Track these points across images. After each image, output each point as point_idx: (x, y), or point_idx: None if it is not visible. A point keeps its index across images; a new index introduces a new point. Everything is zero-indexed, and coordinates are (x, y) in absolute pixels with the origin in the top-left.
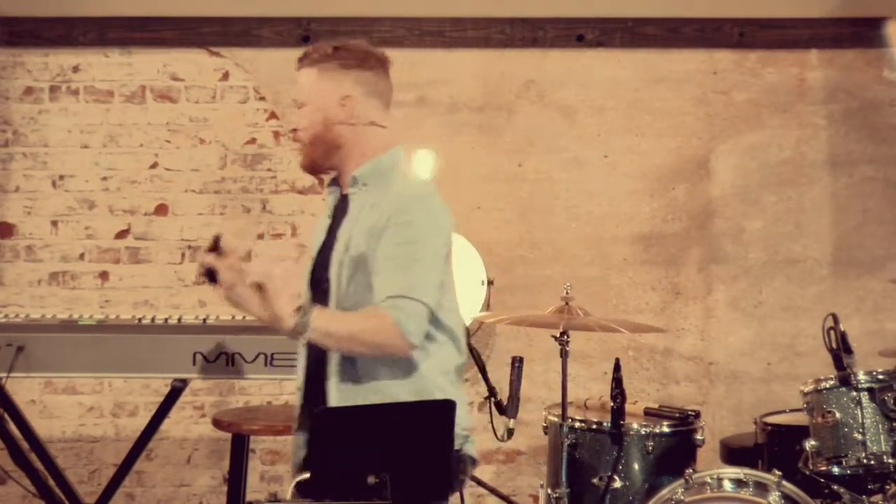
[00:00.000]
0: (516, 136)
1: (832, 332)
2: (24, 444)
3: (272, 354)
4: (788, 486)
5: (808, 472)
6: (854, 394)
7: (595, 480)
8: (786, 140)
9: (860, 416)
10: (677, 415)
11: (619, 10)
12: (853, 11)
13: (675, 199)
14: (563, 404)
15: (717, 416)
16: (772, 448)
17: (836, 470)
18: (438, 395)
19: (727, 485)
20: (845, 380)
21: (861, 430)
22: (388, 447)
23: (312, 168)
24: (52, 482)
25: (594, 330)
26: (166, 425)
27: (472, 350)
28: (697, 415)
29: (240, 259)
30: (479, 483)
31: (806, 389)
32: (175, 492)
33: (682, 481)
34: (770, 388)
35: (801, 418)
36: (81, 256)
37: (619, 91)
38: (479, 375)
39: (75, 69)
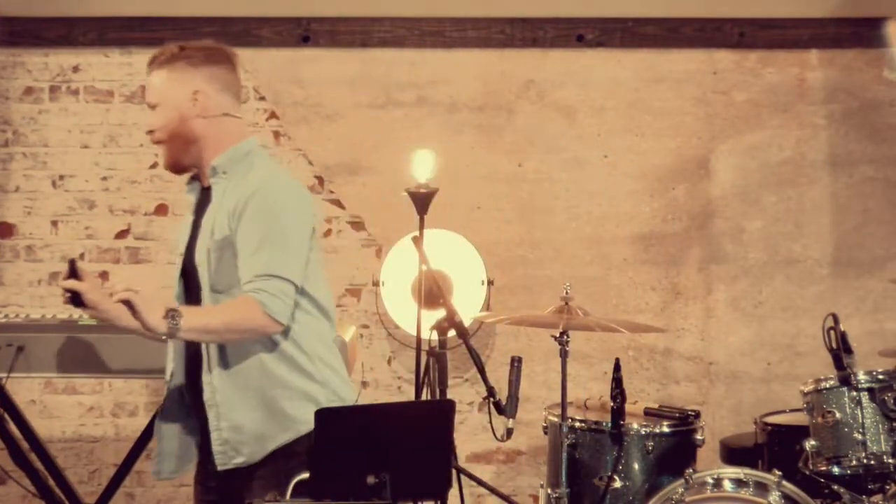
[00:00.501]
0: (516, 136)
1: (832, 332)
2: (25, 444)
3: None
4: (788, 486)
5: (808, 472)
6: (854, 394)
7: (595, 480)
8: (786, 140)
9: (860, 416)
10: (677, 415)
11: (619, 10)
12: (853, 11)
13: (675, 199)
14: (563, 404)
15: (716, 416)
16: (772, 448)
17: (836, 470)
18: (320, 367)
19: (727, 485)
20: (845, 380)
21: (861, 430)
22: (387, 447)
23: (175, 165)
24: (52, 482)
25: (594, 330)
26: None
27: (470, 350)
28: (697, 415)
29: (96, 278)
30: (480, 483)
31: (806, 389)
32: (175, 492)
33: (682, 481)
34: (770, 388)
35: (801, 418)
36: (81, 256)
37: (619, 91)
38: (478, 375)
39: (75, 69)
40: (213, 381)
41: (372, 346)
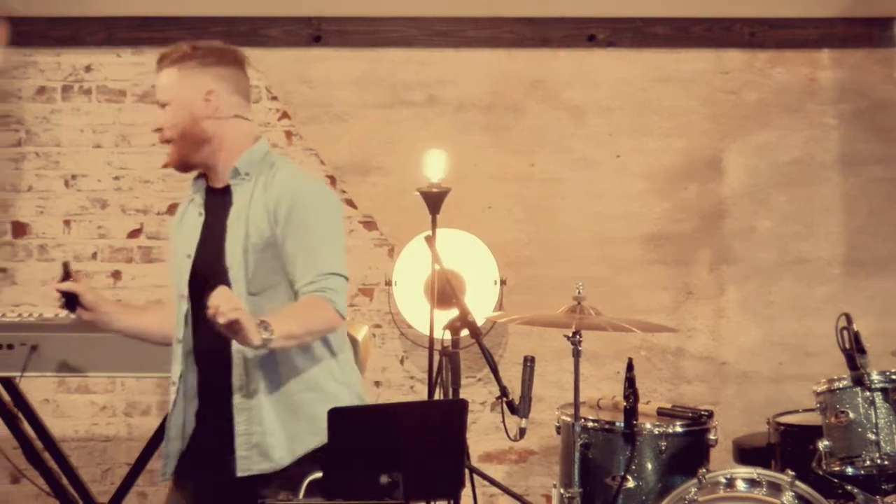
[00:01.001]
0: (525, 135)
1: (845, 332)
2: (38, 444)
3: None
4: (802, 487)
5: (821, 473)
6: (867, 394)
7: (608, 480)
8: (796, 140)
9: (874, 416)
10: (690, 415)
11: (628, 9)
12: (863, 11)
13: (686, 199)
14: (576, 404)
15: (728, 415)
16: (785, 448)
17: (849, 470)
18: (345, 368)
19: (740, 484)
20: (859, 380)
21: (875, 430)
22: (399, 446)
23: (183, 165)
24: (65, 481)
25: (606, 330)
26: None
27: (483, 350)
28: (710, 415)
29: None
30: (492, 482)
31: (819, 389)
32: None
33: (695, 481)
34: (781, 388)
35: (814, 418)
36: (94, 256)
37: (628, 91)
38: (491, 375)
39: (87, 69)
40: (246, 386)
41: (384, 346)
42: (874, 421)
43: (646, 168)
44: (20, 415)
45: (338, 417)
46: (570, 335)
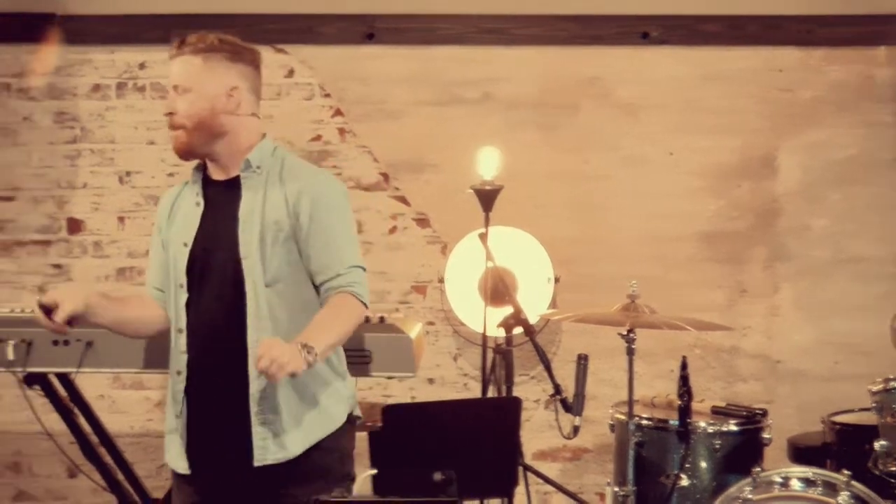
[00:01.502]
0: (578, 133)
1: None
2: (94, 439)
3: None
4: (858, 486)
5: (877, 473)
6: None
7: (662, 478)
8: (851, 138)
9: None
10: (744, 413)
11: (682, 7)
12: None
13: (740, 197)
14: (630, 402)
15: (782, 414)
16: (840, 447)
17: None
18: (343, 362)
19: (795, 484)
20: None
21: None
22: (453, 443)
23: (188, 153)
24: (120, 476)
25: (660, 328)
26: None
27: (537, 347)
28: (765, 413)
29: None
30: (546, 480)
31: (875, 389)
32: None
33: (749, 480)
34: (836, 387)
35: (869, 418)
36: (147, 252)
37: (681, 89)
38: (544, 373)
39: (141, 66)
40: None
41: (438, 343)
42: None
43: (699, 166)
44: (76, 410)
45: (392, 414)
46: (624, 333)
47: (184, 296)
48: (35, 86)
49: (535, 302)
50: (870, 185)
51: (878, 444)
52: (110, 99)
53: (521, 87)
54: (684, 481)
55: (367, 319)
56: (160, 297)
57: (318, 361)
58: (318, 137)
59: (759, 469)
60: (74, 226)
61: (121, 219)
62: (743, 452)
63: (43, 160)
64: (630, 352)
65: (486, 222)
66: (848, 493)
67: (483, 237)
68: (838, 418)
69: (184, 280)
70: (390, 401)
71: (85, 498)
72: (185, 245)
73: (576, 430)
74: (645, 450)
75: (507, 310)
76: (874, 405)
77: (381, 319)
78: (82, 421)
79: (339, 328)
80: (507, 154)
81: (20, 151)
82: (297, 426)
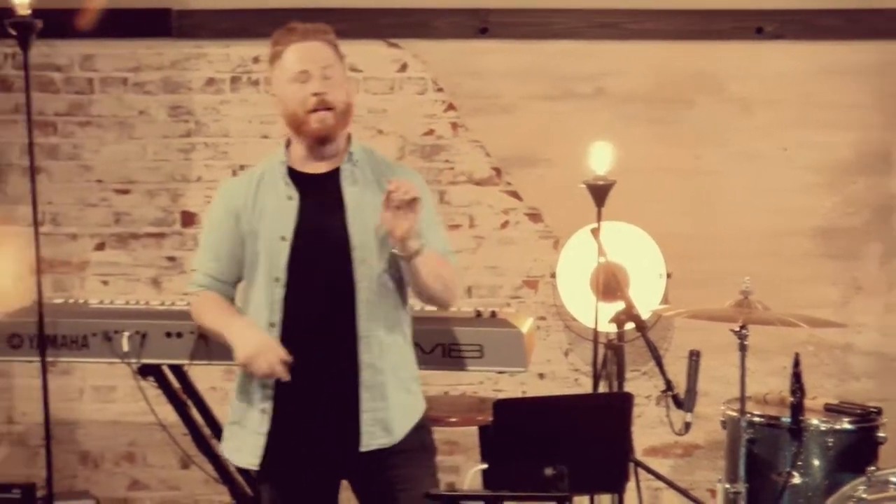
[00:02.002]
0: (691, 128)
1: None
2: (206, 430)
3: (450, 346)
4: None
5: None
6: None
7: (774, 476)
8: None
9: None
10: (858, 411)
11: (798, 2)
12: None
13: (856, 192)
14: (742, 398)
15: None
16: None
17: None
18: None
19: None
20: None
21: None
22: (564, 439)
23: (331, 136)
24: (232, 468)
25: (774, 324)
26: None
27: (648, 343)
28: (879, 411)
29: None
30: (657, 476)
31: None
32: None
33: (863, 479)
34: None
35: None
36: None
37: (796, 83)
38: (656, 369)
39: (255, 60)
40: (375, 363)
41: (549, 338)
42: None
43: (813, 161)
44: (189, 402)
45: (502, 409)
46: (737, 329)
47: (280, 290)
48: (150, 80)
49: (646, 298)
50: None
51: None
52: (224, 93)
53: (633, 82)
54: (796, 479)
55: (479, 314)
56: (220, 289)
57: (416, 258)
58: (430, 132)
59: (873, 468)
60: (188, 219)
61: None
62: (857, 451)
63: (158, 154)
64: (742, 348)
65: (599, 217)
66: None
67: (595, 232)
68: None
69: (282, 274)
70: (501, 395)
71: (197, 488)
72: (284, 239)
73: (687, 426)
74: (757, 447)
75: (619, 305)
76: None
77: (493, 314)
78: (195, 412)
79: (442, 270)
80: (620, 149)
81: (136, 145)
82: (399, 410)
